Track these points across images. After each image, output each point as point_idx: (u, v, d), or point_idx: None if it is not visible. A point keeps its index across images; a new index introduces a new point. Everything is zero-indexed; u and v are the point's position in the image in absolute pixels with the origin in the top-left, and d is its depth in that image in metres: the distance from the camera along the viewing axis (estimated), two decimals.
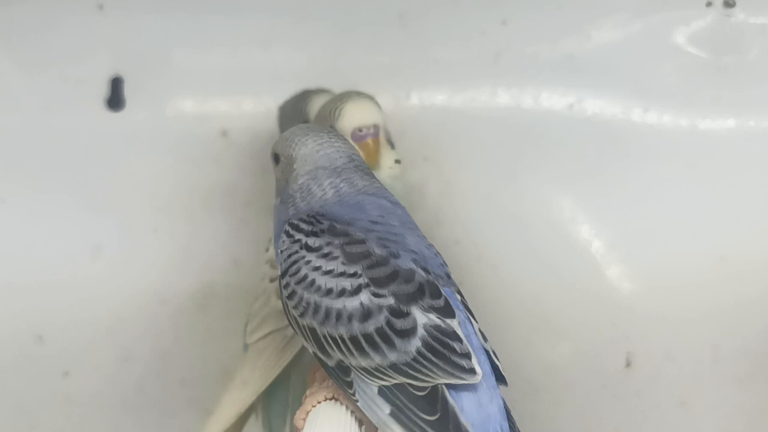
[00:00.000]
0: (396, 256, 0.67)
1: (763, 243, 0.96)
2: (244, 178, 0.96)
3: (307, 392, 0.71)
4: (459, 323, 0.66)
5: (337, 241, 0.67)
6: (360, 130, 0.83)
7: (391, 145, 0.87)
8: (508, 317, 0.96)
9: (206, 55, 0.97)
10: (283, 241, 0.69)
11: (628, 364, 0.96)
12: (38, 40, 0.95)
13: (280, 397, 0.83)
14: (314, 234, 0.68)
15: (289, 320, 0.69)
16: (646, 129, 0.97)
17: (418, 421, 0.63)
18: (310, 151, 0.71)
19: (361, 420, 0.67)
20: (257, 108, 0.96)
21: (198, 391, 0.95)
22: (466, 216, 0.97)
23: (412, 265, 0.67)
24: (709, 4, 0.96)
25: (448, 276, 0.70)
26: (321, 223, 0.68)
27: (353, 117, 0.83)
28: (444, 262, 0.71)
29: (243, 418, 0.83)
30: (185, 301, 0.96)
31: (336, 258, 0.66)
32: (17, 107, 0.96)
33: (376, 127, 0.83)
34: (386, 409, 0.64)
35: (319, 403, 0.68)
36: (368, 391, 0.65)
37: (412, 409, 0.63)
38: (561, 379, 0.97)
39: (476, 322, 0.69)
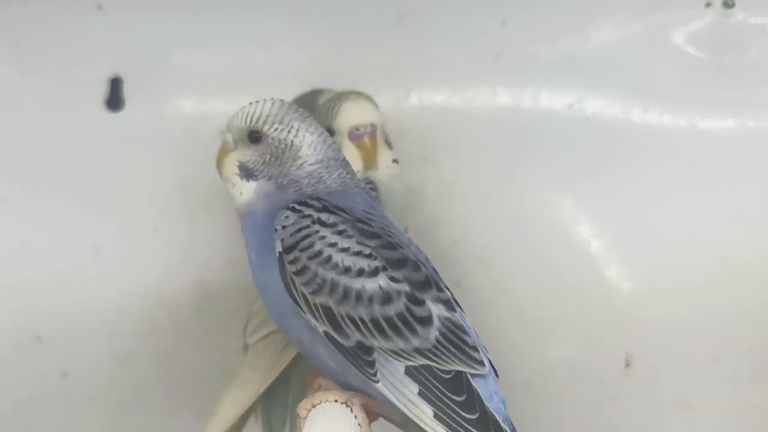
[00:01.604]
0: (400, 245, 0.68)
1: (763, 243, 0.95)
2: None
3: (322, 384, 0.71)
4: (461, 316, 0.68)
5: (350, 218, 0.67)
6: (357, 129, 0.83)
7: (389, 145, 0.88)
8: (507, 317, 0.96)
9: (206, 55, 0.97)
10: (287, 217, 0.68)
11: (627, 365, 0.96)
12: (37, 40, 0.95)
13: (280, 399, 0.83)
14: (327, 210, 0.68)
15: (294, 297, 0.67)
16: (646, 129, 0.97)
17: (447, 401, 0.64)
18: (318, 140, 0.71)
19: (362, 425, 0.67)
20: None
21: (197, 392, 0.95)
22: (465, 216, 0.97)
23: (415, 258, 0.68)
24: (708, 5, 0.96)
25: (436, 271, 0.71)
26: (329, 202, 0.68)
27: (350, 116, 0.83)
28: (427, 257, 0.72)
29: (243, 419, 0.83)
30: (185, 301, 0.96)
31: (351, 236, 0.66)
32: (17, 107, 0.96)
33: (373, 126, 0.84)
34: (414, 388, 0.64)
35: (327, 401, 0.67)
36: (393, 371, 0.65)
37: (441, 389, 0.64)
38: (560, 379, 0.97)
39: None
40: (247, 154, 0.72)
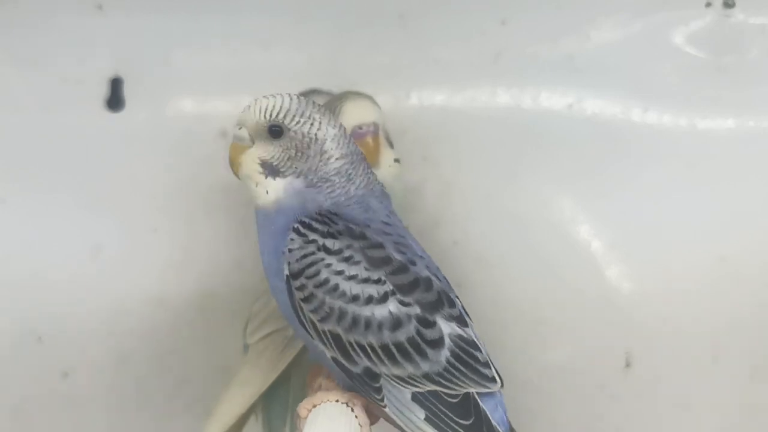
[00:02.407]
0: (413, 263, 0.67)
1: (763, 243, 0.96)
2: None
3: (323, 384, 0.71)
4: (472, 329, 0.68)
5: (357, 245, 0.66)
6: (360, 128, 0.83)
7: (390, 144, 0.88)
8: (507, 317, 0.96)
9: (206, 55, 0.97)
10: (293, 240, 0.67)
11: (627, 365, 0.96)
12: (38, 41, 0.95)
13: (281, 398, 0.83)
14: (332, 235, 0.66)
15: (303, 323, 0.67)
16: (646, 129, 0.97)
17: (454, 425, 0.64)
18: (340, 133, 0.70)
19: (363, 426, 0.67)
20: None
21: (198, 392, 0.95)
22: (465, 216, 0.97)
23: (428, 273, 0.67)
24: (708, 5, 0.96)
25: (447, 280, 0.70)
26: (336, 224, 0.67)
27: (352, 115, 0.83)
28: (437, 267, 0.71)
29: (243, 419, 0.83)
30: (185, 301, 0.96)
31: (358, 263, 0.65)
32: (17, 107, 0.95)
33: (375, 125, 0.84)
34: (421, 414, 0.65)
35: (329, 401, 0.68)
36: (400, 397, 0.65)
37: (448, 414, 0.65)
38: (560, 379, 0.97)
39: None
40: (269, 150, 0.69)
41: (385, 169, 0.85)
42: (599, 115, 0.97)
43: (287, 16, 0.97)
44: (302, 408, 0.68)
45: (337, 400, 0.67)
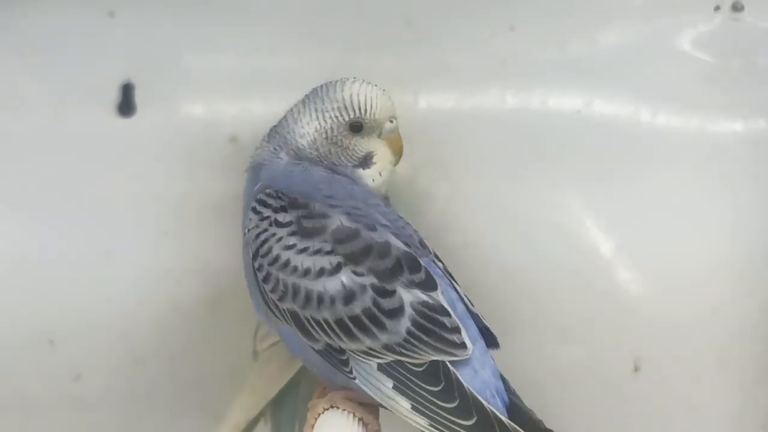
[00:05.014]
0: (372, 228, 0.67)
1: None
2: None
3: (309, 404, 0.71)
4: (442, 293, 0.67)
5: (304, 213, 0.67)
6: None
7: None
8: (516, 320, 0.96)
9: (216, 60, 0.97)
10: (250, 219, 0.68)
11: (636, 369, 0.96)
12: (50, 47, 0.95)
13: (289, 405, 0.84)
14: (283, 209, 0.67)
15: (267, 305, 0.67)
16: (655, 132, 0.97)
17: (424, 393, 0.64)
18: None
19: (363, 419, 0.67)
20: (266, 113, 0.96)
21: (208, 395, 0.95)
22: (473, 219, 0.97)
23: (386, 238, 0.66)
24: (717, 8, 0.96)
25: (423, 244, 0.70)
26: (285, 199, 0.68)
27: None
28: (414, 230, 0.71)
29: (252, 425, 0.83)
30: (195, 305, 0.96)
31: (310, 236, 0.66)
32: (29, 113, 0.96)
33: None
34: (389, 383, 0.64)
35: (319, 415, 0.68)
36: (367, 368, 0.65)
37: (416, 381, 0.64)
38: (569, 382, 0.97)
39: (458, 285, 0.69)
40: None
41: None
42: (607, 119, 0.97)
43: (297, 21, 0.97)
44: (310, 417, 0.68)
45: (323, 409, 0.67)
